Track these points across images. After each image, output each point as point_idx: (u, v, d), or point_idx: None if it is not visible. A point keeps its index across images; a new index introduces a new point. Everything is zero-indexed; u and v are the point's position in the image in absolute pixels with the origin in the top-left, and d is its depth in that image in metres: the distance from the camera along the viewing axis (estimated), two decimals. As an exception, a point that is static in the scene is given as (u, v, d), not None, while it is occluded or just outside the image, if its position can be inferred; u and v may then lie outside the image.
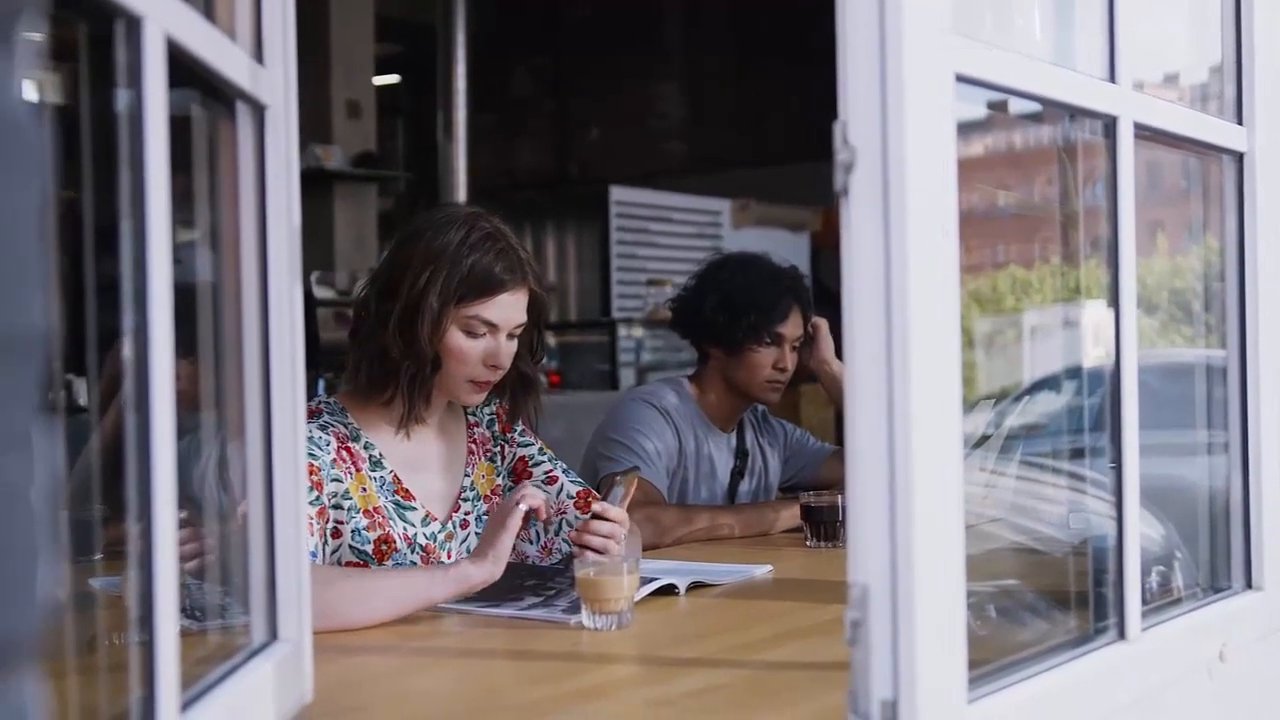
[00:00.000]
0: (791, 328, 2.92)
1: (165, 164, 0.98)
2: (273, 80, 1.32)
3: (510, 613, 1.89)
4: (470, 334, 2.12)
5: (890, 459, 1.12)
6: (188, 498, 1.12)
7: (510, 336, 2.15)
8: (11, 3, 0.56)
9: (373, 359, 2.13)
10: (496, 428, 2.34)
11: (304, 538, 1.37)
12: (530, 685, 1.56)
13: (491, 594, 1.98)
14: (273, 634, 1.32)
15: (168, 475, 0.98)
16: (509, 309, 2.13)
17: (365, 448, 2.16)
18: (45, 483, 0.57)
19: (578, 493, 2.28)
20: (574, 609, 1.85)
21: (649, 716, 1.44)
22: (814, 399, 6.29)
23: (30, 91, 0.58)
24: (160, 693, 0.97)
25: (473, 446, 2.30)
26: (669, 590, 2.04)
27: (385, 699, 1.53)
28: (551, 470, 2.32)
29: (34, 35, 0.59)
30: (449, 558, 2.18)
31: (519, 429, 2.35)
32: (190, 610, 1.33)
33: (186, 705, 1.05)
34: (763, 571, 2.28)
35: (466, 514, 2.25)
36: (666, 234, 7.90)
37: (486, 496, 2.29)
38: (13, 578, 0.54)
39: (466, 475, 2.27)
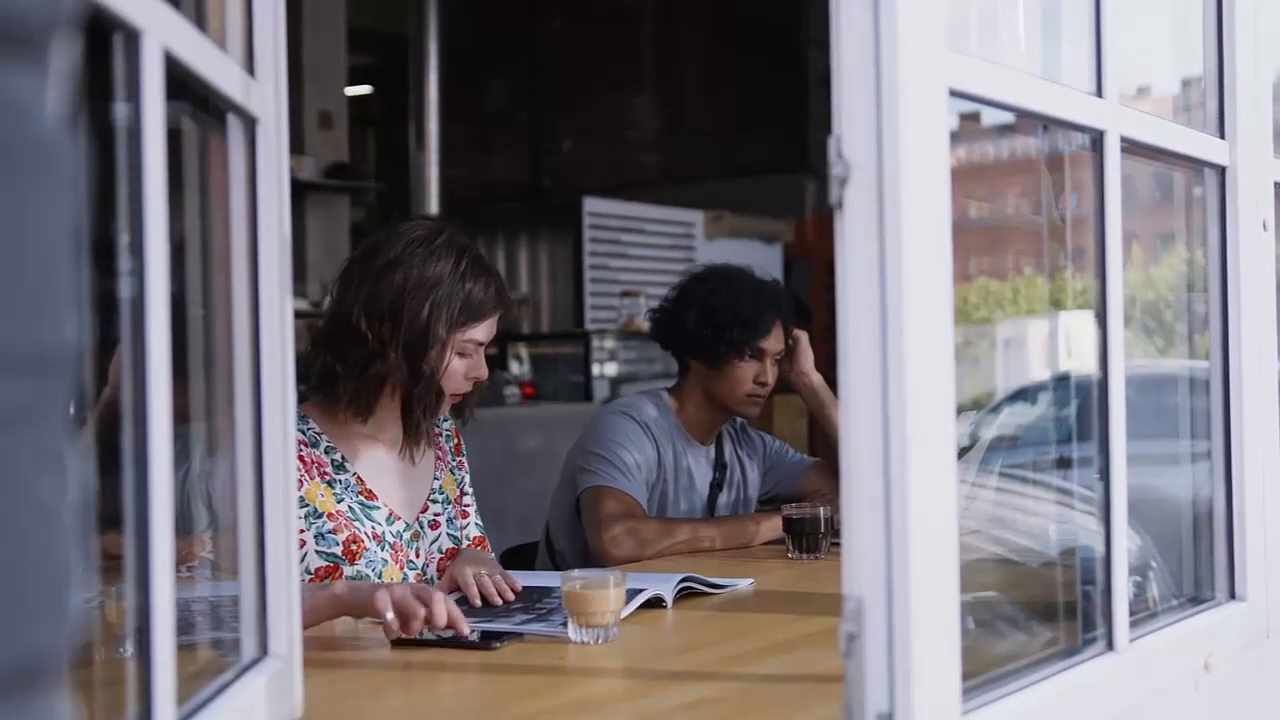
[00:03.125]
0: (773, 342, 2.92)
1: (163, 176, 0.97)
2: (264, 93, 1.31)
3: (506, 627, 1.88)
4: (462, 355, 2.21)
5: (886, 472, 1.12)
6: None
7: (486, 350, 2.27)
8: (45, 23, 0.56)
9: (371, 384, 2.17)
10: (452, 445, 2.42)
11: (294, 553, 1.36)
12: (520, 699, 1.56)
13: (484, 613, 1.97)
14: (263, 649, 1.31)
15: (164, 491, 0.97)
16: (493, 326, 2.25)
17: (326, 452, 2.20)
18: (76, 500, 0.56)
19: (475, 537, 2.39)
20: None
21: (641, 730, 1.44)
22: (786, 410, 6.30)
23: (63, 108, 0.58)
24: (157, 709, 0.96)
25: (439, 454, 2.37)
26: (655, 603, 2.04)
27: (374, 715, 1.53)
28: (469, 506, 2.42)
29: (67, 53, 0.59)
30: (418, 557, 2.25)
31: (463, 454, 2.45)
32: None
33: (181, 722, 1.04)
34: (745, 584, 2.28)
35: (436, 515, 2.32)
36: (640, 245, 7.90)
37: (455, 501, 2.37)
38: (46, 596, 0.54)
39: (436, 478, 2.34)
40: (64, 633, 0.55)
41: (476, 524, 2.42)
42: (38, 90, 0.56)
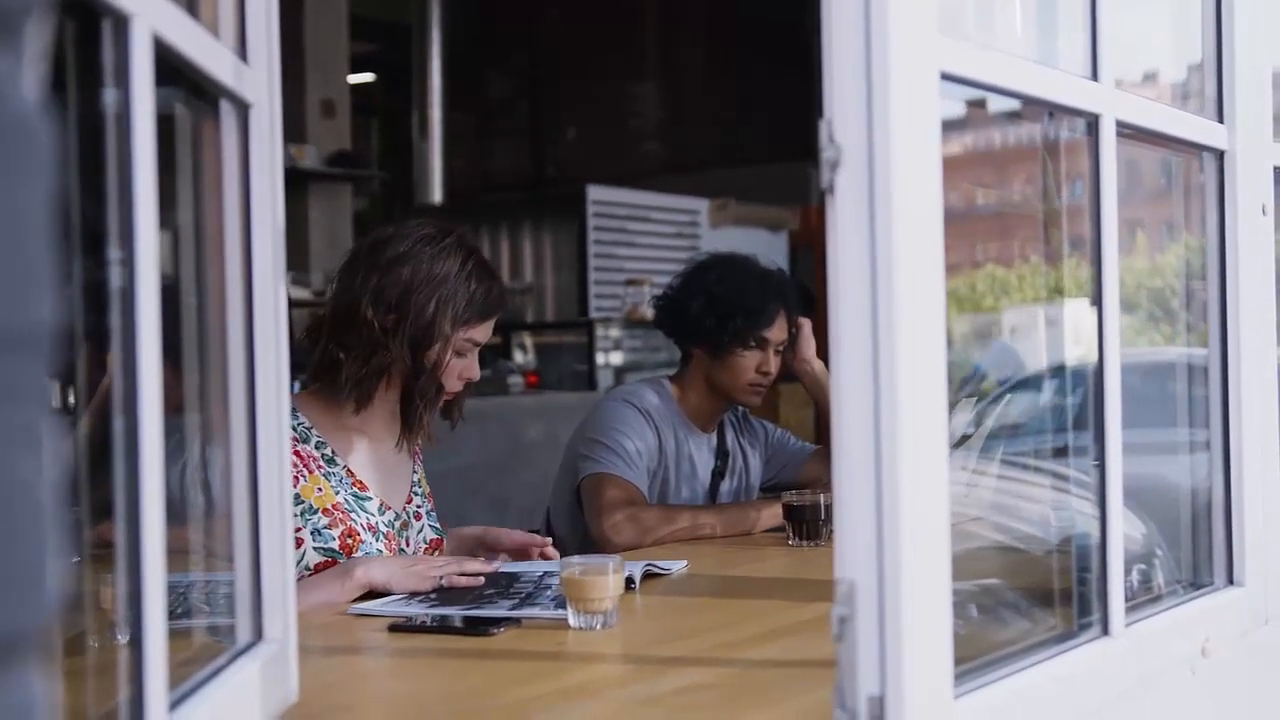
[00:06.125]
0: (777, 332, 2.91)
1: (153, 163, 0.98)
2: (256, 79, 1.31)
3: (502, 613, 1.88)
4: (460, 354, 2.24)
5: (877, 455, 1.13)
6: (168, 499, 1.12)
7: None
8: (19, 5, 0.56)
9: (374, 373, 2.19)
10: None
11: (289, 538, 1.37)
12: (516, 685, 1.56)
13: (471, 600, 1.97)
14: (258, 634, 1.32)
15: (155, 477, 0.97)
16: (490, 329, 2.29)
17: (316, 447, 2.22)
18: (55, 479, 0.57)
19: (432, 539, 2.37)
20: (562, 603, 1.84)
21: (637, 715, 1.44)
22: (792, 399, 6.30)
23: (36, 89, 0.58)
24: (149, 693, 0.97)
25: (416, 449, 2.40)
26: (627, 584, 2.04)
27: (370, 699, 1.53)
28: (427, 505, 2.41)
29: (41, 34, 0.59)
30: (408, 545, 2.29)
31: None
32: (172, 610, 1.32)
33: (174, 705, 1.04)
34: (680, 566, 2.30)
35: (418, 507, 2.36)
36: (644, 234, 7.88)
37: (429, 495, 2.41)
38: (23, 573, 0.54)
39: (415, 472, 2.38)
40: (42, 608, 0.56)
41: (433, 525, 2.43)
42: (13, 72, 0.56)
